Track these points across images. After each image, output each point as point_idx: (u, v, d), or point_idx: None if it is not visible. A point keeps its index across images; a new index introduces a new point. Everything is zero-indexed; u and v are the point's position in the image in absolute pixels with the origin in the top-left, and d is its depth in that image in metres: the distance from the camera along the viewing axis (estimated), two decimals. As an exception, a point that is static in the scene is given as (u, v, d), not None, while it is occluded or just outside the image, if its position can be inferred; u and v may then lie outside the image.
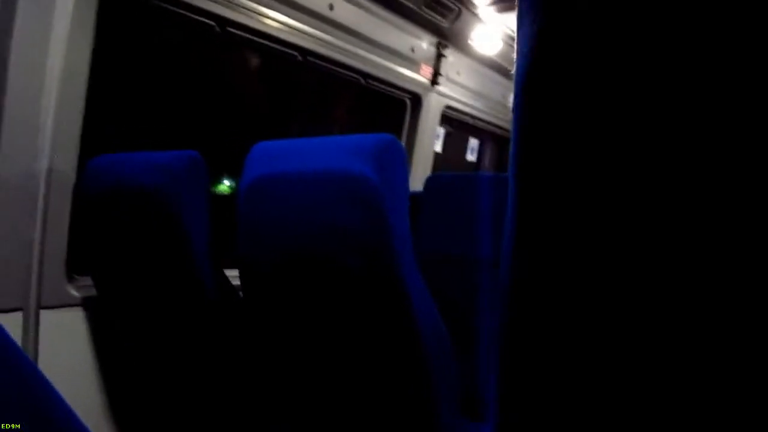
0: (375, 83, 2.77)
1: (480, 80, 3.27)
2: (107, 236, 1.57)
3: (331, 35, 2.40)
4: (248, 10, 2.04)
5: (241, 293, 1.38)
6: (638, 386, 0.31)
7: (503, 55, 3.03)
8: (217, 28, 2.01)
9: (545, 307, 0.33)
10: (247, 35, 2.12)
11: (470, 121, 3.45)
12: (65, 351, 1.67)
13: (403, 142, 3.06)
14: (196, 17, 1.93)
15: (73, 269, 1.71)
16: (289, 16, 2.20)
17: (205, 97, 2.53)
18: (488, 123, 3.52)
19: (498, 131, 3.66)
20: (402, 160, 1.15)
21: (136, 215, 1.44)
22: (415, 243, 1.27)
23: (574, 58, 0.30)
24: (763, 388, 0.27)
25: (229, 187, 2.80)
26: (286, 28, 2.21)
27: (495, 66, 3.23)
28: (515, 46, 0.32)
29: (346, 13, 2.42)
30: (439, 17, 2.74)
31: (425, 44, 2.89)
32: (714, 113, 0.27)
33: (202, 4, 1.90)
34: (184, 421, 1.66)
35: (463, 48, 3.04)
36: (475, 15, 2.82)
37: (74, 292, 1.69)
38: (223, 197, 2.74)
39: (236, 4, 2.00)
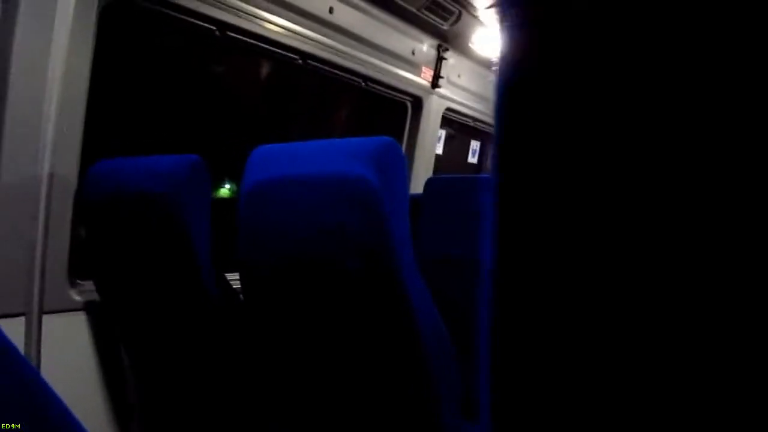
0: (375, 86, 2.77)
1: (481, 82, 3.28)
2: (109, 241, 1.57)
3: (331, 38, 2.41)
4: (248, 14, 2.05)
5: (242, 296, 1.38)
6: (626, 384, 0.31)
7: (504, 57, 3.02)
8: (217, 33, 2.01)
9: (530, 307, 0.33)
10: (248, 39, 2.13)
11: (471, 123, 3.45)
12: (68, 355, 1.67)
13: (404, 145, 3.06)
14: (196, 22, 1.93)
15: (76, 274, 1.71)
16: (289, 20, 2.20)
17: (205, 101, 2.54)
18: (489, 125, 3.50)
19: (499, 133, 3.64)
20: (401, 162, 1.16)
21: (137, 220, 1.45)
22: (416, 245, 1.27)
23: (554, 59, 0.30)
24: (756, 387, 0.28)
25: (230, 190, 2.80)
26: (286, 32, 2.22)
27: (496, 68, 3.23)
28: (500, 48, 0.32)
29: (346, 17, 2.42)
30: (439, 20, 2.74)
31: (426, 47, 2.89)
32: (697, 112, 0.27)
33: (202, 9, 1.90)
34: (187, 425, 1.67)
35: (463, 50, 3.05)
36: (475, 17, 2.82)
37: (76, 297, 1.69)
38: (224, 200, 2.75)
39: (236, 9, 2.00)
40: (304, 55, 2.36)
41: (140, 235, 1.46)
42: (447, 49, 2.98)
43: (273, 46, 2.23)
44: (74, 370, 1.69)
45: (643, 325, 0.30)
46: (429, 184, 2.38)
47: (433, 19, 2.72)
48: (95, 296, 1.70)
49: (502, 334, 0.35)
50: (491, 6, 2.66)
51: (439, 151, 3.22)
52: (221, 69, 2.58)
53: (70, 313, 1.67)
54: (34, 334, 1.54)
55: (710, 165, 0.27)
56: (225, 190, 2.78)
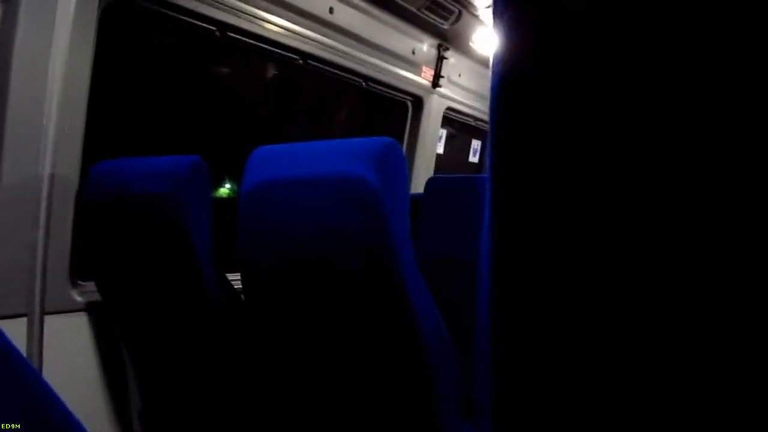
0: (376, 86, 2.77)
1: (481, 82, 3.28)
2: (110, 241, 1.58)
3: (331, 39, 2.41)
4: (248, 14, 2.05)
5: (243, 297, 1.38)
6: (622, 381, 0.31)
7: (504, 56, 3.02)
8: (218, 33, 2.01)
9: (526, 304, 0.33)
10: (248, 40, 2.13)
11: (472, 122, 3.45)
12: (69, 356, 1.67)
13: (405, 144, 3.06)
14: (196, 22, 1.94)
15: (77, 275, 1.71)
16: (289, 20, 2.21)
17: (205, 102, 2.54)
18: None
19: (500, 132, 3.64)
20: (402, 162, 1.16)
21: (138, 220, 1.45)
22: (416, 245, 1.27)
23: (549, 58, 0.30)
24: (748, 385, 0.28)
25: (230, 189, 2.80)
26: (287, 32, 2.22)
27: (495, 67, 3.22)
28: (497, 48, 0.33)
29: (346, 17, 2.42)
30: (439, 19, 2.74)
31: (426, 46, 2.89)
32: (690, 111, 0.27)
33: (202, 9, 1.91)
34: (189, 425, 1.67)
35: (464, 50, 3.05)
36: (475, 17, 2.82)
37: (78, 298, 1.69)
38: (224, 200, 2.75)
39: (236, 9, 2.00)
40: (305, 56, 2.36)
41: (141, 236, 1.47)
42: (447, 49, 2.98)
43: (273, 47, 2.23)
44: (76, 371, 1.70)
45: (637, 323, 0.30)
46: (430, 183, 2.38)
47: (434, 19, 2.72)
48: (96, 297, 1.70)
49: (499, 331, 0.35)
50: (491, 5, 2.65)
51: (440, 150, 3.22)
52: (221, 69, 2.58)
53: (72, 313, 1.68)
54: (36, 335, 1.54)
55: (703, 164, 0.27)
56: (225, 190, 2.78)
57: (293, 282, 1.23)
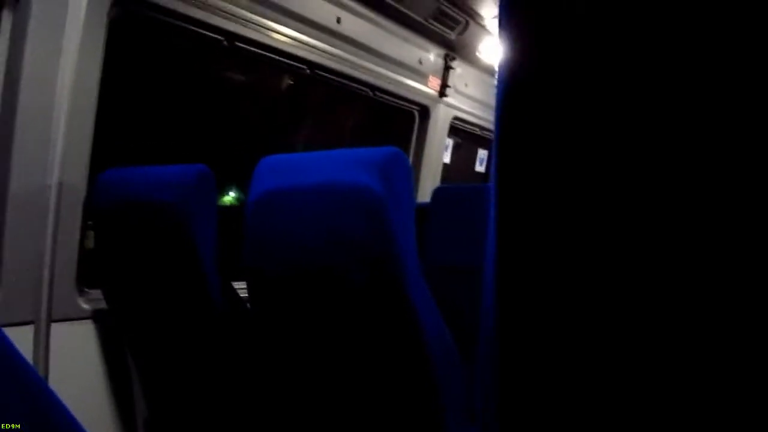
0: (383, 95, 2.78)
1: (488, 91, 3.28)
2: (117, 249, 1.58)
3: (338, 48, 2.42)
4: (256, 24, 2.06)
5: (248, 305, 1.38)
6: (624, 390, 0.31)
7: (511, 66, 3.02)
8: (225, 43, 2.02)
9: (530, 312, 0.33)
10: (256, 49, 2.14)
11: (479, 132, 3.45)
12: (76, 363, 1.67)
13: (411, 154, 3.06)
14: (204, 32, 1.95)
15: (84, 282, 1.72)
16: (296, 30, 2.22)
17: (213, 110, 2.55)
18: (497, 134, 3.51)
19: (507, 142, 3.64)
20: (407, 172, 1.16)
21: (145, 228, 1.45)
22: (422, 254, 1.27)
23: (553, 69, 0.30)
24: (747, 385, 0.27)
25: (234, 198, 2.81)
26: (294, 42, 2.23)
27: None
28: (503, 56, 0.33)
29: (353, 27, 2.43)
30: (446, 29, 2.75)
31: (433, 56, 2.90)
32: (689, 119, 0.27)
33: (210, 20, 1.92)
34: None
35: (470, 60, 3.05)
36: (482, 27, 2.83)
37: (85, 306, 1.70)
38: (231, 209, 2.75)
39: (244, 19, 2.01)
40: (312, 65, 2.37)
41: (147, 244, 1.47)
42: (454, 59, 2.98)
43: (281, 56, 2.24)
44: (82, 379, 1.70)
45: (642, 333, 0.30)
46: (436, 193, 2.38)
47: (440, 29, 2.72)
48: (103, 305, 1.70)
49: (503, 339, 0.35)
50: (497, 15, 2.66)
51: (447, 160, 3.22)
52: (228, 79, 2.59)
53: (78, 321, 1.68)
54: (43, 342, 1.55)
55: (708, 170, 0.27)
56: (229, 198, 2.79)
57: (299, 291, 1.23)
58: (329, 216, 1.13)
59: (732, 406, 0.28)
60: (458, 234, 2.16)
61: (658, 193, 0.28)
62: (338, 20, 2.36)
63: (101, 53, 1.64)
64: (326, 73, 2.46)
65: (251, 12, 2.03)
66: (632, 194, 0.29)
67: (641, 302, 0.30)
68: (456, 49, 2.95)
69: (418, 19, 2.60)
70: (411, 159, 3.04)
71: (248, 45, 2.10)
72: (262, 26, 2.08)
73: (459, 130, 3.32)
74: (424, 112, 3.03)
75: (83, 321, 1.69)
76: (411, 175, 1.17)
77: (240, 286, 1.49)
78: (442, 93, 3.01)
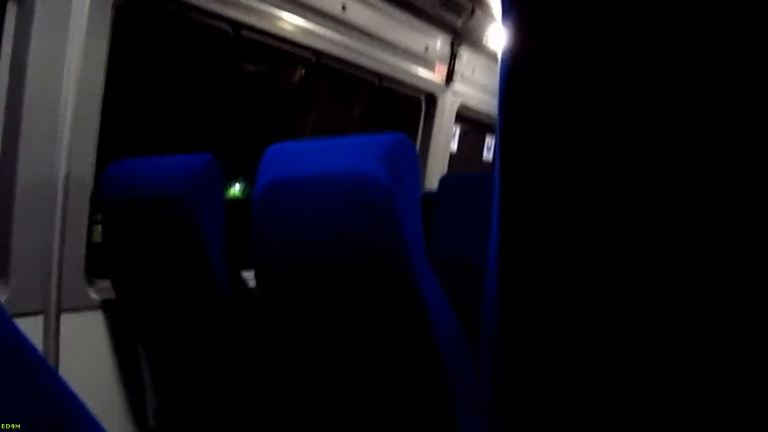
0: (389, 83, 2.77)
1: (496, 78, 3.22)
2: (125, 240, 1.59)
3: (344, 36, 2.40)
4: (261, 12, 2.05)
5: (257, 295, 1.39)
6: (627, 384, 0.31)
7: (518, 52, 3.01)
8: (231, 31, 2.02)
9: (533, 304, 0.33)
10: (261, 38, 2.13)
11: (486, 119, 3.43)
12: (85, 353, 1.69)
13: (418, 142, 3.05)
14: (210, 21, 1.94)
15: (93, 273, 1.73)
16: (302, 18, 2.20)
17: (219, 100, 2.55)
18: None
19: (514, 129, 3.62)
20: (414, 159, 1.15)
21: (152, 219, 1.46)
22: (429, 243, 1.27)
23: (557, 56, 0.30)
24: (748, 385, 0.27)
25: (241, 190, 2.80)
26: (299, 30, 2.22)
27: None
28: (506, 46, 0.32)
29: (358, 14, 2.42)
30: (452, 16, 2.73)
31: (439, 43, 2.88)
32: (690, 113, 0.27)
33: (215, 8, 1.91)
34: (203, 421, 1.68)
35: (477, 46, 3.03)
36: (488, 13, 2.81)
37: (94, 296, 1.71)
38: (238, 200, 2.76)
39: (249, 8, 2.00)
40: (318, 53, 2.36)
41: (154, 234, 1.48)
42: (460, 45, 2.96)
43: (286, 45, 2.23)
44: (92, 368, 1.71)
45: (644, 326, 0.30)
46: (443, 181, 2.37)
47: (447, 15, 2.70)
48: (112, 295, 1.71)
49: (505, 330, 0.35)
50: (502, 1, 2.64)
51: (454, 148, 3.21)
52: (233, 68, 2.59)
53: (88, 311, 1.69)
54: (52, 332, 1.56)
55: (714, 163, 0.27)
56: (235, 191, 2.78)
57: (306, 281, 1.23)
58: (335, 205, 1.13)
59: (733, 404, 0.28)
60: (465, 224, 2.16)
61: (664, 184, 0.28)
62: (344, 7, 2.34)
63: (107, 44, 1.64)
64: (332, 61, 2.45)
65: (257, 0, 2.02)
66: (637, 185, 0.29)
67: (645, 294, 0.29)
68: (462, 35, 2.93)
69: (425, 6, 2.58)
70: (418, 147, 3.03)
71: (254, 33, 2.10)
72: (267, 14, 2.08)
73: (466, 118, 3.31)
74: (431, 99, 3.01)
75: (92, 311, 1.71)
76: (418, 162, 1.17)
77: (250, 275, 1.50)
78: (448, 80, 2.99)
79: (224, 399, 1.56)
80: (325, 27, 2.31)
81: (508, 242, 0.33)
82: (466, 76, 3.09)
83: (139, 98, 2.20)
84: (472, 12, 2.76)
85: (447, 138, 3.11)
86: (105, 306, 1.72)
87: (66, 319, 1.59)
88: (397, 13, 2.57)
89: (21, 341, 0.67)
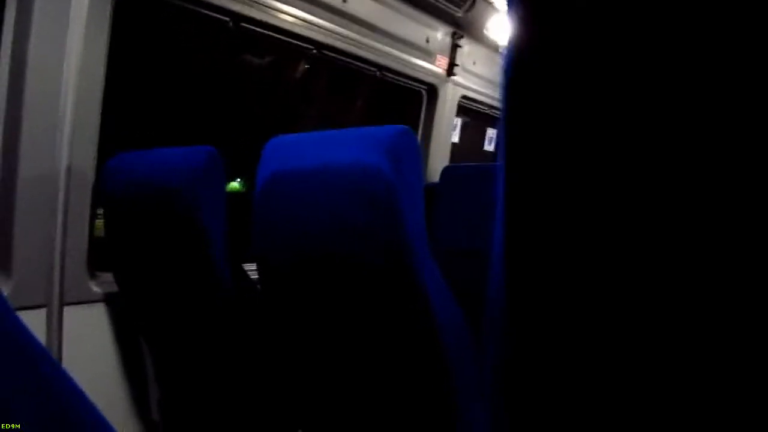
0: (390, 75, 2.76)
1: (497, 69, 3.23)
2: (127, 233, 1.59)
3: (345, 28, 2.40)
4: (261, 5, 2.04)
5: (259, 288, 1.39)
6: (630, 375, 0.31)
7: (519, 43, 3.00)
8: (231, 24, 2.01)
9: (539, 296, 0.33)
10: (261, 30, 2.13)
11: (488, 110, 3.43)
12: (88, 346, 1.69)
13: (419, 134, 3.05)
14: (210, 13, 1.94)
15: (95, 266, 1.73)
16: (302, 10, 2.20)
17: (219, 93, 2.54)
18: (505, 112, 3.48)
19: (516, 120, 3.62)
20: (416, 151, 1.15)
21: (154, 212, 1.46)
22: (431, 234, 1.27)
23: (563, 47, 0.30)
24: (759, 387, 0.27)
25: (241, 184, 2.80)
26: (300, 22, 2.21)
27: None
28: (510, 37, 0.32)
29: (359, 5, 2.41)
30: (453, 7, 2.72)
31: (440, 35, 2.87)
32: (699, 104, 0.27)
33: (215, 0, 1.90)
34: (206, 414, 1.68)
35: (478, 38, 3.02)
36: (489, 4, 2.80)
37: (96, 289, 1.71)
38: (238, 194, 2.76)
39: (250, 0, 2.00)
40: (319, 45, 2.36)
41: (156, 227, 1.48)
42: (461, 37, 2.95)
43: (287, 37, 2.23)
44: (95, 361, 1.72)
45: (651, 318, 0.30)
46: (445, 172, 2.37)
47: (447, 6, 2.69)
48: (114, 288, 1.72)
49: (511, 321, 0.35)
50: (506, -8, 2.63)
51: (455, 139, 3.20)
52: (234, 61, 2.58)
53: (90, 304, 1.70)
54: (55, 326, 1.56)
55: (717, 157, 0.26)
56: (235, 185, 2.78)
57: (308, 273, 1.23)
58: (337, 198, 1.12)
59: (741, 401, 0.28)
60: (468, 215, 2.16)
61: (669, 173, 0.28)
62: (344, -1, 2.34)
63: (107, 37, 1.64)
64: (333, 53, 2.44)
65: (257, -8, 2.02)
66: (641, 174, 0.28)
67: (651, 282, 0.29)
68: (463, 27, 2.92)
69: (425, -3, 2.57)
70: (419, 139, 3.02)
71: (254, 26, 2.09)
72: (267, 6, 2.07)
73: (468, 109, 3.30)
74: (432, 91, 3.01)
75: (95, 304, 1.71)
76: (420, 153, 1.17)
77: (251, 268, 1.50)
78: (449, 72, 2.98)
79: (227, 391, 1.57)
80: (325, 19, 2.30)
81: (513, 232, 0.33)
82: (468, 67, 3.08)
83: (140, 92, 2.19)
84: (473, 3, 2.75)
85: (448, 129, 3.11)
86: (107, 299, 1.73)
87: (69, 313, 1.60)
88: (397, 4, 2.57)
89: (24, 334, 0.67)
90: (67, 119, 1.52)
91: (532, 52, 0.32)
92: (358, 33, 2.46)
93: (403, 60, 2.73)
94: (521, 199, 0.33)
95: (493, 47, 3.12)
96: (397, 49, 2.68)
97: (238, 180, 2.78)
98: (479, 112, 3.41)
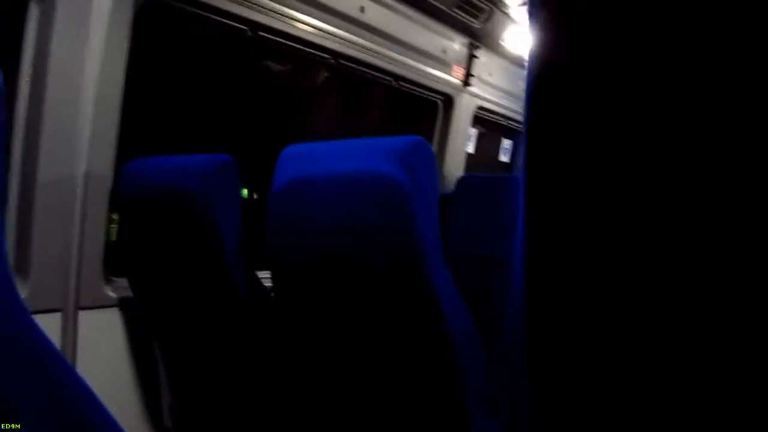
0: (406, 85, 2.77)
1: (513, 80, 3.24)
2: (142, 238, 1.60)
3: (362, 38, 2.41)
4: (280, 14, 2.06)
5: (272, 294, 1.39)
6: (652, 384, 0.30)
7: (536, 54, 2.99)
8: (249, 33, 2.03)
9: (560, 306, 0.33)
10: (279, 39, 2.14)
11: (503, 121, 3.42)
12: (102, 350, 1.70)
13: (435, 144, 3.05)
14: (229, 22, 1.95)
15: (110, 271, 1.74)
16: (320, 20, 2.21)
17: (235, 101, 2.56)
18: (521, 123, 3.48)
19: (531, 132, 3.61)
20: (431, 161, 1.15)
21: (169, 217, 1.47)
22: (446, 244, 1.26)
23: (584, 59, 0.30)
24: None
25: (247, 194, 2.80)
26: (317, 32, 2.22)
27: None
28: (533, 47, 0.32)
29: (377, 15, 2.42)
30: (470, 18, 2.72)
31: (457, 45, 2.88)
32: (723, 116, 0.26)
33: (234, 9, 1.92)
34: (218, 419, 1.69)
35: (495, 48, 3.02)
36: (506, 15, 2.80)
37: (111, 294, 1.72)
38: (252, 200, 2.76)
39: (268, 9, 2.01)
40: (336, 55, 2.37)
41: (171, 233, 1.48)
42: (478, 47, 2.96)
43: (304, 46, 2.24)
44: (108, 365, 1.72)
45: (671, 325, 0.29)
46: (460, 182, 2.37)
47: (465, 17, 2.70)
48: (129, 293, 1.73)
49: (533, 329, 0.34)
50: (523, 3, 2.63)
51: (471, 149, 3.20)
52: (251, 69, 2.60)
53: (105, 309, 1.71)
54: (70, 330, 1.58)
55: (746, 160, 0.26)
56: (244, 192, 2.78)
57: (322, 280, 1.23)
58: (352, 206, 1.13)
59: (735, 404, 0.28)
60: (482, 224, 2.15)
61: (689, 183, 0.28)
62: (362, 9, 2.35)
63: (127, 43, 1.66)
64: (350, 62, 2.45)
65: (275, 2, 2.03)
66: (663, 186, 0.28)
67: (673, 294, 0.29)
68: (480, 37, 2.92)
69: (442, 7, 2.58)
70: (435, 149, 3.02)
71: (272, 35, 2.10)
72: (286, 16, 2.08)
73: (483, 120, 3.30)
74: (448, 101, 3.01)
75: (110, 309, 1.72)
76: (434, 164, 1.17)
77: (264, 276, 1.50)
78: (466, 82, 2.98)
79: (239, 397, 1.57)
80: (343, 29, 2.31)
81: (534, 243, 0.33)
82: (484, 78, 3.08)
83: (158, 98, 2.21)
84: (491, 14, 2.75)
85: (464, 139, 3.11)
86: (122, 304, 1.74)
87: (83, 317, 1.61)
88: (415, 14, 2.57)
89: (40, 337, 0.68)
90: (87, 125, 1.54)
91: (554, 64, 0.32)
92: (375, 43, 2.47)
93: (420, 70, 2.74)
94: (542, 209, 0.33)
95: (510, 58, 3.12)
96: (414, 59, 2.69)
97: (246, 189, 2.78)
98: (495, 122, 3.41)
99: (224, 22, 1.95)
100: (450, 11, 2.62)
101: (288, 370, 1.46)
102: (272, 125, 2.76)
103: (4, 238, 0.67)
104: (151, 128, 2.18)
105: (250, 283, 1.46)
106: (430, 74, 2.80)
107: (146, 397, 1.81)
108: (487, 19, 2.78)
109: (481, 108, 3.16)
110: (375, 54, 2.49)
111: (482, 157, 3.39)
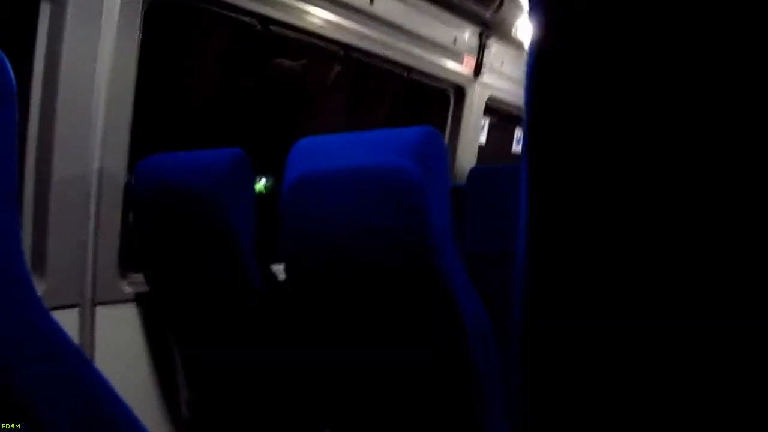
0: (417, 76, 2.75)
1: (525, 70, 3.21)
2: (157, 234, 1.61)
3: (372, 29, 2.40)
4: (289, 7, 2.05)
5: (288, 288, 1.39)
6: (652, 383, 0.30)
7: (548, 43, 2.97)
8: (259, 27, 2.03)
9: (562, 299, 0.33)
10: (289, 32, 2.14)
11: (516, 111, 3.40)
12: (120, 345, 1.72)
13: (446, 135, 3.04)
14: (238, 16, 1.95)
15: (126, 267, 1.76)
16: (329, 12, 2.20)
17: (246, 95, 2.56)
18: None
19: (544, 121, 3.58)
20: (442, 151, 1.15)
21: (183, 213, 1.47)
22: (459, 236, 1.26)
23: (585, 46, 0.29)
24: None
25: (264, 186, 2.81)
26: (327, 24, 2.22)
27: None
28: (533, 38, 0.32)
29: (386, 7, 2.40)
30: (481, 7, 2.70)
31: (467, 35, 2.85)
32: (725, 104, 0.26)
33: (243, 4, 1.92)
34: (235, 414, 1.70)
35: (506, 38, 3.00)
36: (517, 4, 2.77)
37: (127, 289, 1.73)
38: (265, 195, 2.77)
39: (277, 2, 2.01)
40: (346, 47, 2.36)
41: (186, 228, 1.49)
42: (489, 37, 2.93)
43: (315, 39, 2.23)
44: (125, 360, 1.74)
45: (681, 321, 0.29)
46: (472, 174, 2.36)
47: (475, 7, 2.68)
48: (145, 288, 1.74)
49: (531, 325, 0.34)
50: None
51: (483, 140, 3.18)
52: (262, 63, 2.60)
53: (122, 304, 1.72)
54: (88, 325, 1.59)
55: (750, 156, 0.26)
56: (260, 186, 2.79)
57: (336, 274, 1.23)
58: (364, 199, 1.13)
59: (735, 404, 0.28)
60: (496, 217, 2.14)
61: (694, 175, 0.27)
62: (371, 1, 2.34)
63: (138, 40, 1.66)
64: (360, 54, 2.44)
65: (285, -5, 2.03)
66: (666, 178, 0.28)
67: (679, 287, 0.29)
68: (491, 27, 2.90)
69: (453, -3, 2.56)
70: (446, 140, 3.01)
71: (282, 28, 2.10)
72: (295, 9, 2.08)
73: (495, 110, 3.28)
74: (459, 92, 2.99)
75: (126, 304, 1.73)
76: (447, 154, 1.16)
77: (280, 268, 1.51)
78: (477, 72, 2.96)
79: (256, 390, 1.58)
80: (353, 20, 2.30)
81: (536, 235, 0.33)
82: (495, 67, 3.06)
83: (170, 94, 2.22)
84: (501, 3, 2.72)
85: (476, 130, 3.09)
86: (138, 299, 1.75)
87: (100, 312, 1.62)
88: (424, 5, 2.56)
89: (59, 334, 0.69)
90: (100, 122, 1.55)
91: (554, 54, 0.31)
92: (385, 34, 2.46)
93: (430, 61, 2.72)
94: (544, 201, 0.33)
95: (522, 48, 3.09)
96: (424, 50, 2.67)
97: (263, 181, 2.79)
98: (507, 112, 3.38)
99: (234, 17, 1.95)
100: (460, 1, 2.60)
101: (303, 364, 1.47)
102: (284, 119, 2.76)
103: (21, 236, 0.68)
104: (163, 125, 2.18)
105: (265, 276, 1.47)
106: (441, 65, 2.78)
107: (163, 391, 1.82)
108: (498, 8, 2.76)
109: (493, 98, 3.14)
110: (385, 45, 2.48)
111: (495, 148, 3.38)
